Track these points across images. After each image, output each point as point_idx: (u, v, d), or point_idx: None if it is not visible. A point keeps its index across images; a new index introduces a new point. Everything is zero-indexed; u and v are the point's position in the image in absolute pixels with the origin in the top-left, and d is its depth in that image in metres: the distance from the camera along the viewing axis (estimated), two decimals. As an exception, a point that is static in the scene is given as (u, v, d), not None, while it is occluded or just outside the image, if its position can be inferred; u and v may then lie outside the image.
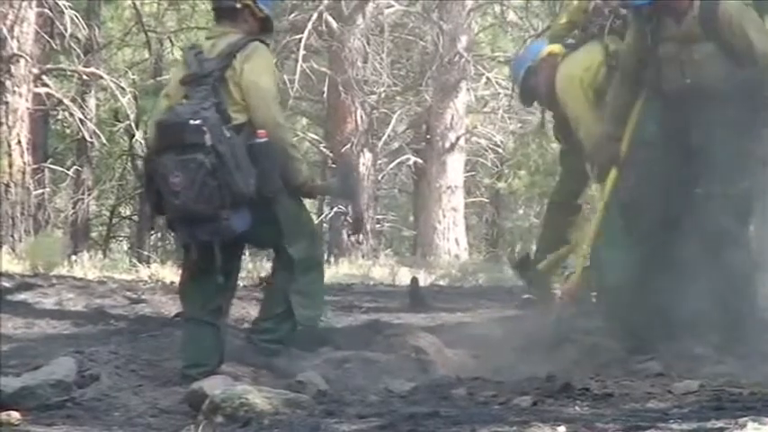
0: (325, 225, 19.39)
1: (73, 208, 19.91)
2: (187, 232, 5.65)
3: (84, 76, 18.25)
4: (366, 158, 18.92)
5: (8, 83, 13.86)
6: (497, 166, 23.67)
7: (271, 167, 5.59)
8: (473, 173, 23.40)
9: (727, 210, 6.01)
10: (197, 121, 5.51)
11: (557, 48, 7.33)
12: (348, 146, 18.56)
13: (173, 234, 5.92)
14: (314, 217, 24.85)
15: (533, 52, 7.56)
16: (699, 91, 6.06)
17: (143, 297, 9.14)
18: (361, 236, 18.26)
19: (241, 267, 6.24)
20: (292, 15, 18.61)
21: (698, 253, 6.03)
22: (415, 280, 9.87)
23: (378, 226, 21.01)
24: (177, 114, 5.60)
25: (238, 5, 5.89)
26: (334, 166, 6.88)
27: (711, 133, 6.00)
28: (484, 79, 21.09)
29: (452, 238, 19.37)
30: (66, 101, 17.67)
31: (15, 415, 4.53)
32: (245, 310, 7.87)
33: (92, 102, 19.45)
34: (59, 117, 20.52)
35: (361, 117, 18.77)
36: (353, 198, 6.58)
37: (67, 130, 21.21)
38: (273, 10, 6.22)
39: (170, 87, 5.94)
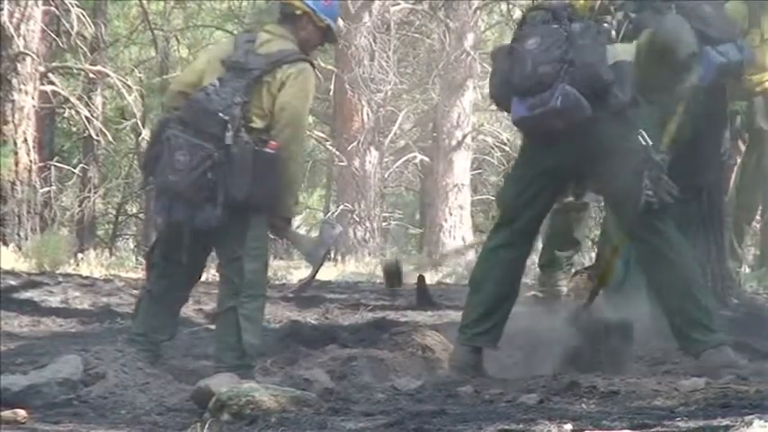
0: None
1: (79, 206, 19.90)
2: (165, 205, 5.66)
3: (91, 74, 18.24)
4: (372, 156, 18.93)
5: (14, 81, 13.84)
6: (504, 164, 23.65)
7: (268, 179, 5.57)
8: (480, 171, 23.39)
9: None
10: (226, 117, 5.53)
11: None
12: (354, 143, 18.56)
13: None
14: (320, 215, 24.74)
15: None
16: None
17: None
18: (368, 235, 18.28)
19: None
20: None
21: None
22: (421, 278, 9.84)
23: (384, 224, 21.00)
24: (210, 101, 5.60)
25: (298, 12, 5.83)
26: (324, 220, 6.45)
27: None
28: (490, 77, 21.05)
29: (459, 236, 19.35)
30: (72, 99, 17.67)
31: (22, 413, 4.54)
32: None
33: (98, 100, 19.44)
34: (66, 115, 20.52)
35: (368, 115, 18.77)
36: (315, 264, 6.23)
37: (74, 128, 21.22)
38: (334, 19, 6.04)
39: (211, 57, 5.88)
